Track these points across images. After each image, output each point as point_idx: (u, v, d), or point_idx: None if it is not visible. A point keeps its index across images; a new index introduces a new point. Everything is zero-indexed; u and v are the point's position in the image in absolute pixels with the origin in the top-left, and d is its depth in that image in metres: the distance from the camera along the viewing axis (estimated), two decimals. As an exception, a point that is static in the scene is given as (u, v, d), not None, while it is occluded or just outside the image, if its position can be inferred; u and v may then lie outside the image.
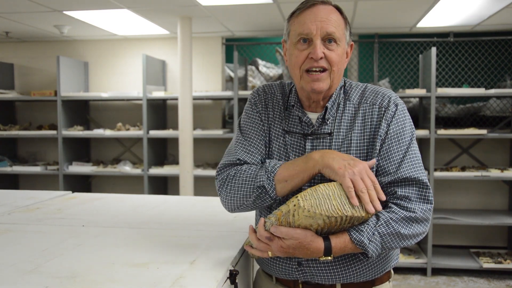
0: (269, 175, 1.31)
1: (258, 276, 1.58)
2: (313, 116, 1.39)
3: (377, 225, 1.23)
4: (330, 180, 1.27)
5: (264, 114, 1.45)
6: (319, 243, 1.21)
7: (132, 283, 1.19)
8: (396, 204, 1.28)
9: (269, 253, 1.26)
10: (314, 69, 1.31)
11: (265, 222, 1.24)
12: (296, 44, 1.32)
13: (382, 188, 1.31)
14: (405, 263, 4.33)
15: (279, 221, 1.20)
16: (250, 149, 1.42)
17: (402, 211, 1.27)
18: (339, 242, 1.22)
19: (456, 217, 4.34)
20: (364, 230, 1.22)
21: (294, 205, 1.17)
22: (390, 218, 1.24)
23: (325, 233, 1.23)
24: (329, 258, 1.23)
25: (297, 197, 1.17)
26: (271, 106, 1.45)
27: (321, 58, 1.29)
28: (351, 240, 1.22)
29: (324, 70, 1.31)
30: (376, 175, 1.32)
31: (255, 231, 1.28)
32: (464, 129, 4.29)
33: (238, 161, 1.41)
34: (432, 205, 1.31)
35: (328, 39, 1.30)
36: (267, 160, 1.37)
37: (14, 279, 1.22)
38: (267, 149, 1.43)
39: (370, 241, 1.22)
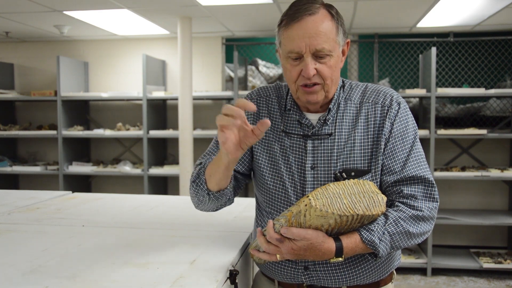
0: (200, 170, 1.37)
1: (257, 279, 1.56)
2: (312, 117, 1.38)
3: (386, 224, 1.23)
4: (336, 180, 1.28)
5: (253, 120, 1.43)
6: (331, 243, 1.20)
7: (132, 283, 1.19)
8: (402, 202, 1.29)
9: (278, 256, 1.23)
10: (308, 84, 1.30)
11: (274, 224, 1.22)
12: (287, 58, 1.30)
13: (388, 187, 1.32)
14: (405, 263, 4.33)
15: (289, 222, 1.18)
16: (217, 152, 1.43)
17: (409, 209, 1.27)
18: (350, 242, 1.21)
19: (456, 217, 4.34)
20: (375, 229, 1.22)
21: (306, 205, 1.15)
22: (398, 217, 1.25)
23: (335, 234, 1.22)
24: (340, 259, 1.21)
25: (308, 196, 1.16)
26: (266, 110, 1.44)
27: (313, 75, 1.27)
28: (362, 240, 1.22)
29: (317, 84, 1.30)
30: (381, 174, 1.32)
31: (263, 234, 1.25)
32: (464, 129, 4.29)
33: (200, 164, 1.45)
34: (438, 203, 1.32)
35: (319, 55, 1.27)
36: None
37: (14, 279, 1.22)
38: (252, 155, 1.44)
39: (380, 240, 1.22)
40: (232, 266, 1.35)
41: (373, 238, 1.21)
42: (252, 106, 1.17)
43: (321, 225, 1.18)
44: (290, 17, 1.27)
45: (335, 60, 1.29)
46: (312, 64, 1.26)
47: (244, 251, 1.53)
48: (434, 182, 1.33)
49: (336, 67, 1.31)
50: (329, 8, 1.29)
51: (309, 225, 1.18)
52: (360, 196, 1.19)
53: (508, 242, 4.76)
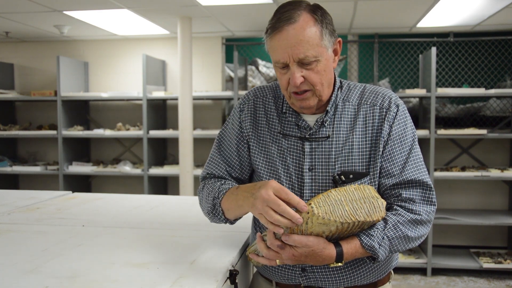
0: (215, 202, 1.37)
1: (255, 279, 1.56)
2: (310, 119, 1.37)
3: (385, 229, 1.24)
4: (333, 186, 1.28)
5: (249, 121, 1.42)
6: (331, 249, 1.20)
7: (132, 283, 1.19)
8: (401, 206, 1.29)
9: (277, 261, 1.23)
10: (297, 92, 1.29)
11: None
12: (276, 67, 1.30)
13: (386, 189, 1.32)
14: (405, 263, 4.33)
15: (291, 229, 1.17)
16: (219, 161, 1.47)
17: (408, 213, 1.28)
18: (350, 247, 1.22)
19: (456, 217, 4.34)
20: (374, 234, 1.22)
21: (308, 213, 1.14)
22: (397, 221, 1.25)
23: (335, 239, 1.22)
24: (340, 264, 1.22)
25: (310, 204, 1.15)
26: (263, 111, 1.42)
27: (301, 82, 1.26)
28: (362, 245, 1.22)
29: (307, 90, 1.29)
30: (380, 177, 1.32)
31: (263, 240, 1.24)
32: (464, 129, 4.29)
33: (207, 175, 1.49)
34: (435, 207, 1.32)
35: (305, 62, 1.25)
36: (225, 181, 1.42)
37: (14, 279, 1.22)
38: (242, 159, 1.44)
39: (380, 245, 1.23)
40: (232, 266, 1.35)
41: (373, 244, 1.22)
42: (300, 220, 1.14)
43: (323, 231, 1.18)
44: (272, 27, 1.25)
45: (323, 64, 1.27)
46: (298, 73, 1.25)
47: (244, 251, 1.53)
48: (432, 185, 1.33)
49: (326, 71, 1.29)
50: (312, 11, 1.25)
51: (311, 232, 1.17)
52: (361, 202, 1.19)
53: (508, 242, 4.76)
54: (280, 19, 1.24)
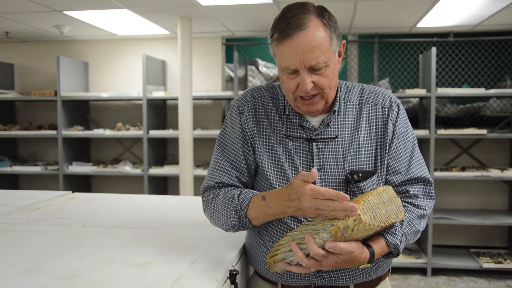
0: (240, 215, 1.31)
1: (253, 282, 1.52)
2: (313, 119, 1.37)
3: (403, 227, 1.29)
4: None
5: (252, 123, 1.40)
6: (366, 252, 1.21)
7: (132, 283, 1.19)
8: (408, 202, 1.35)
9: (311, 268, 1.20)
10: (306, 97, 1.29)
11: (314, 238, 1.16)
12: (283, 72, 1.28)
13: (394, 186, 1.36)
14: (405, 263, 4.33)
15: (335, 236, 1.14)
16: (227, 168, 1.40)
17: (416, 209, 1.34)
18: (379, 248, 1.24)
19: (456, 217, 4.34)
20: (397, 233, 1.26)
21: (355, 220, 1.12)
22: (411, 218, 1.32)
23: (363, 240, 1.23)
24: (369, 265, 1.23)
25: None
26: (264, 111, 1.40)
27: (311, 88, 1.25)
28: (387, 244, 1.25)
29: (316, 94, 1.29)
30: (387, 174, 1.36)
31: (300, 249, 1.19)
32: (464, 129, 4.29)
33: (216, 185, 1.41)
34: (435, 201, 1.40)
35: (315, 68, 1.24)
36: (241, 191, 1.34)
37: (14, 279, 1.22)
38: (248, 163, 1.40)
39: (401, 242, 1.27)
40: (232, 266, 1.35)
41: (397, 242, 1.26)
42: (347, 197, 1.12)
43: (362, 236, 1.19)
44: (282, 32, 1.23)
45: (332, 68, 1.27)
46: (308, 79, 1.24)
47: (244, 252, 1.53)
48: (432, 180, 1.40)
49: (333, 74, 1.29)
50: (320, 15, 1.25)
51: (353, 238, 1.17)
52: (389, 203, 1.22)
53: (508, 242, 4.76)
54: (290, 25, 1.22)
